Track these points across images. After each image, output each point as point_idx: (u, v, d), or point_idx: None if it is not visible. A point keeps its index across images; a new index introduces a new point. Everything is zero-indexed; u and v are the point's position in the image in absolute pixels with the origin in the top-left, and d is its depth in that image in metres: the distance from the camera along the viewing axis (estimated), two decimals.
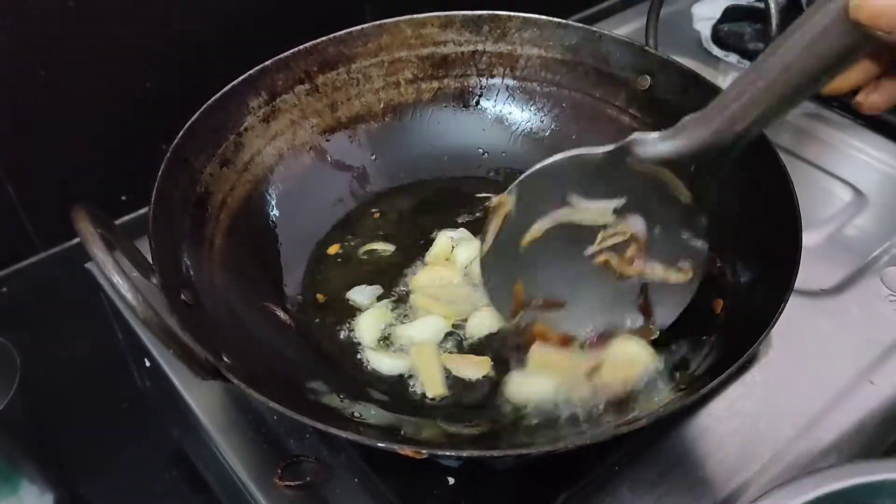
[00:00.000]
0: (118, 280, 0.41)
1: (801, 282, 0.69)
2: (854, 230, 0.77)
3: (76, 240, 0.84)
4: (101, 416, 0.87)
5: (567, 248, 0.56)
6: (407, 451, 0.44)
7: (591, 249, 0.55)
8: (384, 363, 0.61)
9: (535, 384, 0.56)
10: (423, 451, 0.45)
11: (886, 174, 0.83)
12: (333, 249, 0.69)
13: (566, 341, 0.57)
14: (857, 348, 0.66)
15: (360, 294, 0.65)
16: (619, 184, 0.53)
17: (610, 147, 0.52)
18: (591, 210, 0.54)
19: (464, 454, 0.48)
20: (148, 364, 0.71)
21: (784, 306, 0.51)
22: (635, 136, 0.51)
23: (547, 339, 0.57)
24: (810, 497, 0.45)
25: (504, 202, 0.55)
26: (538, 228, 0.55)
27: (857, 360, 0.65)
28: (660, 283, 0.56)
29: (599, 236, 0.55)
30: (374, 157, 0.74)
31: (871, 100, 0.45)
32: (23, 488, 0.76)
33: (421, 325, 0.62)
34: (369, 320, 0.63)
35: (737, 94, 0.46)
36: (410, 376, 0.60)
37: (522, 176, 0.54)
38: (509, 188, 0.55)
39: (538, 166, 0.54)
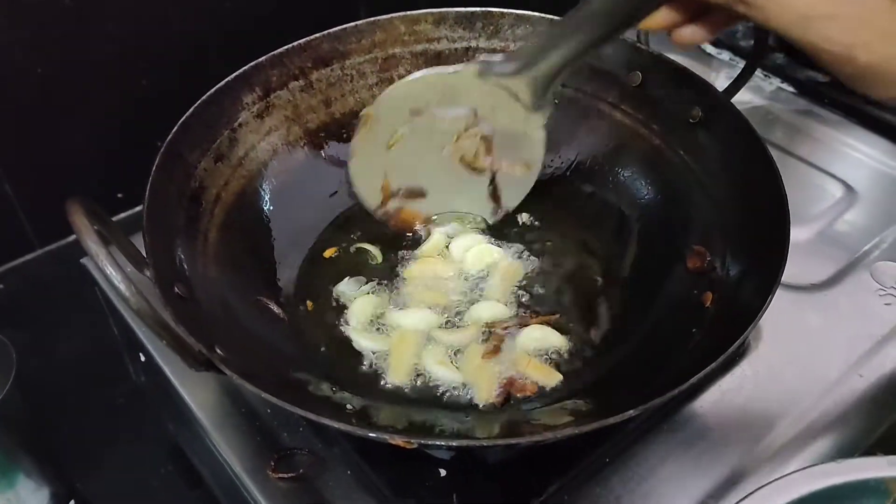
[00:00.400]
0: (111, 271, 0.42)
1: (791, 276, 0.71)
2: (845, 225, 0.77)
3: (73, 237, 0.85)
4: (96, 411, 0.87)
5: (427, 148, 0.66)
6: (398, 440, 0.45)
7: (446, 149, 0.66)
8: (363, 343, 0.62)
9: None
10: (413, 441, 0.45)
11: (877, 170, 0.83)
12: (329, 252, 0.70)
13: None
14: (847, 342, 0.66)
15: (346, 286, 0.66)
16: (468, 96, 0.63)
17: (459, 67, 0.63)
18: (447, 117, 0.65)
19: (453, 444, 0.49)
20: (143, 359, 0.71)
21: (771, 298, 0.51)
22: (482, 57, 0.64)
23: (412, 221, 0.70)
24: (795, 496, 0.45)
25: (370, 114, 0.65)
26: (400, 133, 0.65)
27: (847, 353, 0.66)
28: (506, 176, 0.68)
29: (454, 138, 0.66)
30: None
31: (682, 34, 0.52)
32: (19, 483, 0.77)
33: (413, 314, 0.63)
34: (362, 304, 0.64)
35: (564, 25, 0.57)
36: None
37: (385, 91, 0.64)
38: (375, 101, 0.64)
39: (398, 83, 0.65)
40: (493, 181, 0.69)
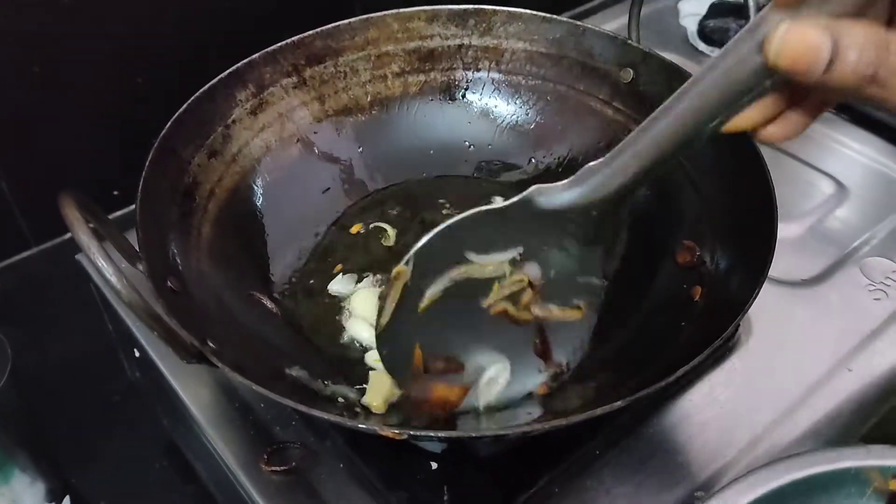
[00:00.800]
0: (102, 264, 0.42)
1: (781, 272, 0.71)
2: (835, 222, 0.78)
3: (68, 235, 0.86)
4: (92, 407, 0.88)
5: (464, 303, 0.55)
6: (387, 432, 0.45)
7: (486, 301, 0.55)
8: (364, 335, 0.62)
9: None
10: (403, 433, 0.45)
11: (868, 167, 0.84)
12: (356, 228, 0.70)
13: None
14: (836, 337, 0.67)
15: (338, 284, 0.67)
16: (514, 235, 0.53)
17: (512, 200, 0.51)
18: (487, 264, 0.54)
19: (441, 435, 0.49)
20: (137, 354, 0.71)
21: (758, 291, 0.52)
22: (536, 187, 0.50)
23: (448, 402, 0.56)
24: (775, 485, 0.45)
25: (402, 273, 0.53)
26: (435, 291, 0.54)
27: (836, 348, 0.66)
28: (556, 324, 0.56)
29: (495, 287, 0.55)
30: (360, 149, 0.75)
31: (770, 132, 0.43)
32: (14, 478, 0.77)
33: None
34: (363, 297, 0.64)
35: (634, 140, 0.47)
36: None
37: (418, 244, 0.52)
38: (405, 258, 0.52)
39: (434, 232, 0.52)
40: (540, 333, 0.57)
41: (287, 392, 0.47)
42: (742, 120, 0.42)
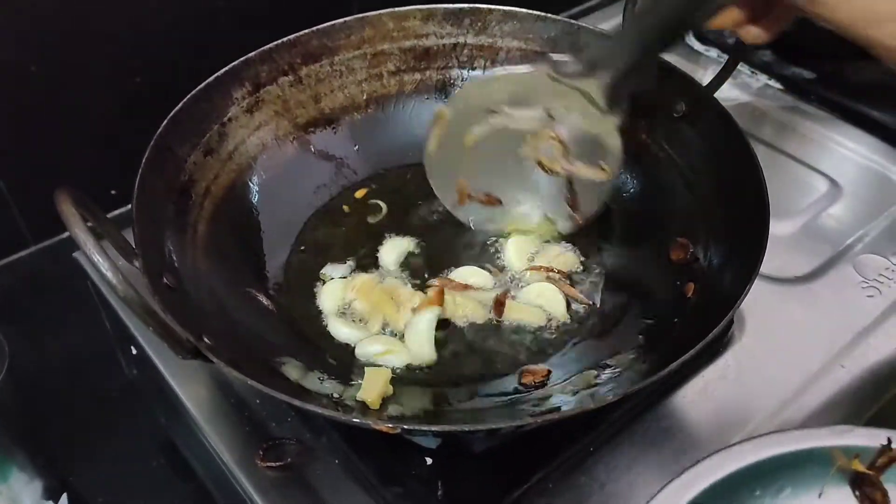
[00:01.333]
0: (98, 259, 0.43)
1: (775, 269, 0.72)
2: (829, 219, 0.78)
3: (66, 233, 0.86)
4: (89, 405, 0.88)
5: (503, 149, 0.65)
6: (381, 426, 0.46)
7: (523, 151, 0.65)
8: (342, 332, 0.62)
9: None
10: (396, 427, 0.46)
11: (862, 165, 0.84)
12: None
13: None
14: (830, 333, 0.67)
15: (333, 270, 0.67)
16: (542, 97, 0.62)
17: (530, 67, 0.62)
18: (522, 117, 0.63)
19: (434, 429, 0.50)
20: (135, 352, 0.72)
21: (750, 287, 0.52)
22: (554, 57, 0.61)
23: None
24: (742, 465, 0.46)
25: (444, 111, 0.65)
26: (477, 133, 0.64)
27: (830, 344, 0.67)
28: (583, 181, 0.65)
29: (529, 138, 0.65)
30: (356, 147, 0.75)
31: (752, 34, 0.53)
32: (12, 475, 0.77)
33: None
34: (331, 289, 0.65)
35: (627, 31, 0.60)
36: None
37: (458, 91, 0.67)
38: (449, 100, 0.66)
39: (470, 82, 0.67)
40: (570, 186, 0.66)
41: (282, 387, 0.48)
42: (722, 19, 0.52)
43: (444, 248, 0.70)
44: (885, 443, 0.46)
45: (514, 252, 0.68)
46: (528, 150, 0.65)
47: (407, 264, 0.68)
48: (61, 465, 0.83)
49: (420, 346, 0.60)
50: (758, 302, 0.68)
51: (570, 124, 0.63)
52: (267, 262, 0.67)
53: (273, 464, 0.58)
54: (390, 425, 0.45)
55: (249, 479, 0.58)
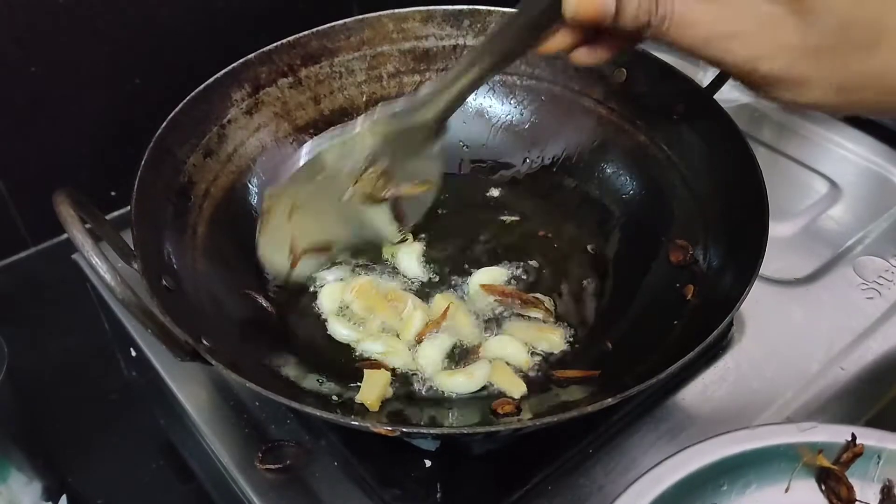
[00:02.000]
0: (97, 261, 0.42)
1: (775, 271, 0.72)
2: (828, 221, 0.78)
3: (65, 235, 0.86)
4: (88, 406, 0.88)
5: (327, 201, 0.63)
6: (380, 429, 0.46)
7: (347, 195, 0.64)
8: (341, 332, 0.63)
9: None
10: (396, 430, 0.46)
11: (861, 167, 0.84)
12: None
13: None
14: (829, 335, 0.67)
15: (329, 273, 0.68)
16: (367, 145, 0.61)
17: (355, 127, 0.60)
18: (345, 170, 0.62)
19: (433, 432, 0.50)
20: (134, 354, 0.72)
21: (749, 289, 0.52)
22: (380, 106, 0.60)
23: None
24: (708, 461, 0.47)
25: (269, 207, 0.61)
26: (299, 199, 0.62)
27: (829, 346, 0.67)
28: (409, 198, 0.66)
29: (353, 182, 0.63)
30: None
31: (579, 55, 0.51)
32: (11, 476, 0.77)
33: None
34: (329, 291, 0.65)
35: (463, 63, 0.57)
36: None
37: (280, 183, 0.60)
38: (270, 194, 0.61)
39: (293, 172, 0.60)
40: (395, 205, 0.67)
41: (281, 389, 0.48)
42: (551, 45, 0.51)
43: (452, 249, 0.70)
44: (849, 439, 0.47)
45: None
46: (353, 192, 0.64)
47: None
48: (60, 467, 0.83)
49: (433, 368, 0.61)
50: (757, 303, 0.68)
51: (393, 156, 0.62)
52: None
53: (272, 466, 0.58)
54: (389, 428, 0.45)
55: (248, 481, 0.58)
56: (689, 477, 0.46)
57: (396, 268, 0.68)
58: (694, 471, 0.46)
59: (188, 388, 0.65)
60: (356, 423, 0.47)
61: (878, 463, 0.47)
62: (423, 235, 0.71)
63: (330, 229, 0.66)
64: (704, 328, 0.51)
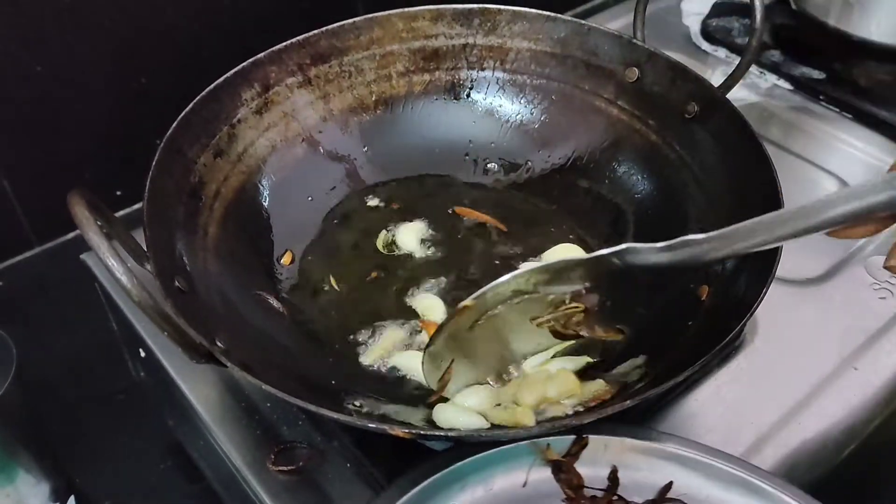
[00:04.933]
0: (113, 263, 0.42)
1: (786, 271, 0.71)
2: None
3: (71, 234, 0.86)
4: (96, 407, 0.88)
5: (514, 323, 0.55)
6: (397, 431, 0.45)
7: (536, 320, 0.55)
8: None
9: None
10: (412, 432, 0.46)
11: (871, 165, 0.84)
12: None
13: None
14: (842, 335, 0.67)
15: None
16: (586, 275, 0.53)
17: (599, 254, 0.52)
18: (550, 294, 0.54)
19: (450, 434, 0.49)
20: (143, 354, 0.71)
21: (766, 291, 0.52)
22: (627, 247, 0.51)
23: None
24: (457, 464, 0.50)
25: (470, 308, 0.53)
26: (490, 314, 0.54)
27: (842, 347, 0.66)
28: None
29: (550, 310, 0.55)
30: (366, 148, 0.75)
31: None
32: (18, 478, 0.77)
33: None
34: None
35: (749, 228, 0.47)
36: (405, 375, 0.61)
37: (493, 285, 0.52)
38: (476, 295, 0.52)
39: (512, 276, 0.52)
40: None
41: (295, 391, 0.47)
42: (853, 233, 0.45)
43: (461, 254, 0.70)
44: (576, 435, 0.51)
45: None
46: (548, 319, 0.55)
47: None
48: (68, 467, 0.83)
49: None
50: (769, 303, 0.66)
51: (604, 295, 0.55)
52: (277, 266, 0.66)
53: (284, 467, 0.58)
54: (405, 430, 0.45)
55: (261, 482, 0.58)
56: (424, 488, 0.49)
57: None
58: (444, 473, 0.49)
59: (199, 389, 0.65)
60: (373, 425, 0.47)
61: (604, 452, 0.51)
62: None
63: (501, 349, 0.57)
64: (719, 330, 0.51)
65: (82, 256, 0.74)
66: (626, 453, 0.52)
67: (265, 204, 0.68)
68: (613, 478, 0.52)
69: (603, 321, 0.55)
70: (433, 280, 0.67)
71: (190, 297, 0.54)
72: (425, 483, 0.48)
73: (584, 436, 0.51)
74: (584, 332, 0.56)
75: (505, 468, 0.51)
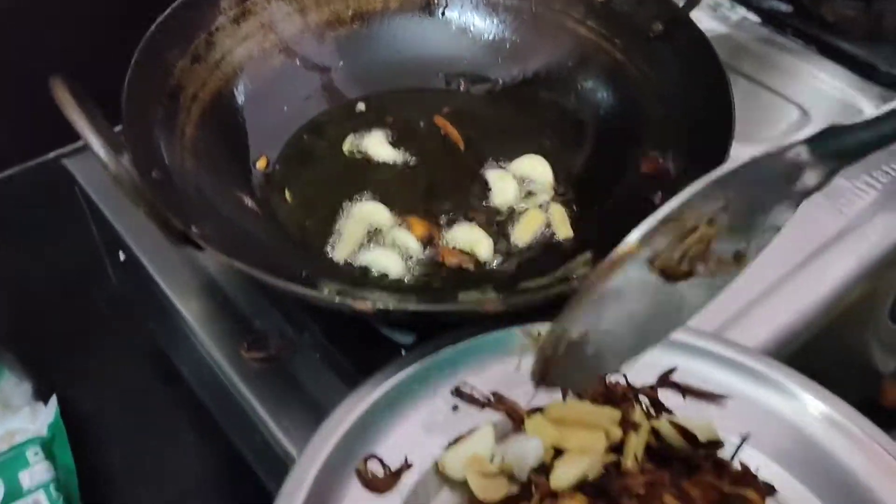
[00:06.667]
0: (92, 137, 0.44)
1: None
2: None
3: (52, 154, 0.88)
4: (78, 313, 0.90)
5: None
6: (360, 304, 0.48)
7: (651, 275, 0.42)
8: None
9: None
10: (374, 307, 0.48)
11: (832, 96, 0.87)
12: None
13: None
14: (790, 249, 0.70)
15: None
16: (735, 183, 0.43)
17: (791, 143, 0.42)
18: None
19: (411, 307, 0.52)
20: (123, 258, 0.74)
21: None
22: (833, 125, 0.42)
23: None
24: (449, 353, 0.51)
25: (631, 251, 0.41)
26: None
27: (788, 259, 0.70)
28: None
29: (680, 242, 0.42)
30: (341, 62, 0.76)
31: None
32: (3, 377, 0.80)
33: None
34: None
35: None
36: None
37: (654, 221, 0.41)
38: (637, 235, 0.41)
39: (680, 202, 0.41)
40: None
41: (265, 268, 0.50)
42: None
43: (437, 170, 0.72)
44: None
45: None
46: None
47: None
48: (50, 372, 0.86)
49: None
50: None
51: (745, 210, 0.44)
52: (253, 169, 0.69)
53: (257, 355, 0.61)
54: (369, 304, 0.48)
55: (235, 369, 0.61)
56: (416, 373, 0.50)
57: None
58: (422, 367, 0.50)
59: (177, 286, 0.67)
60: (337, 300, 0.50)
61: None
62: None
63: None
64: None
65: (63, 160, 0.76)
66: None
67: (241, 110, 0.70)
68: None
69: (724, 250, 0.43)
70: (395, 185, 0.70)
71: (167, 188, 0.56)
72: (408, 373, 0.50)
73: None
74: (701, 268, 0.42)
75: (494, 352, 0.51)
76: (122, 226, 0.71)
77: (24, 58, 0.80)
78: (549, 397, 0.49)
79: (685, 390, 0.52)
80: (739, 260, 0.45)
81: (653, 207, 0.61)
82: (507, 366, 0.51)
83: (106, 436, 0.83)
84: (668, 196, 0.61)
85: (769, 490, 0.47)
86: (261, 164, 0.69)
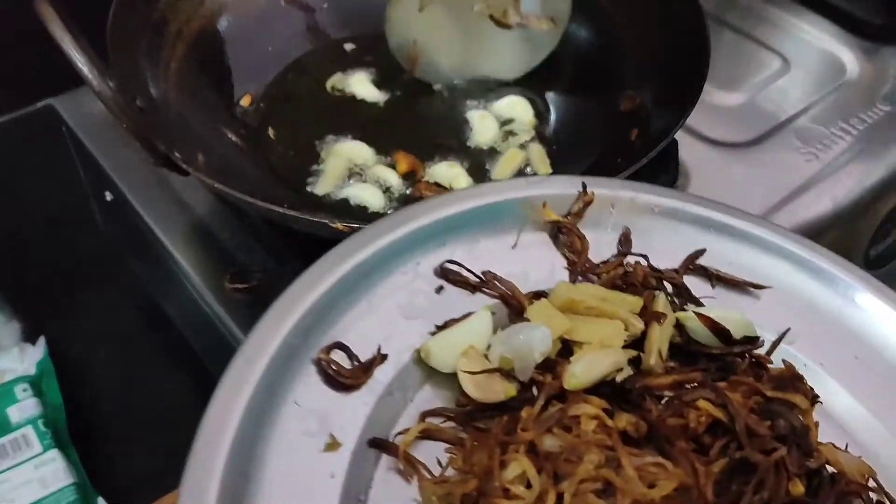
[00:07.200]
0: (76, 54, 0.45)
1: (720, 135, 0.76)
2: (776, 93, 0.82)
3: (39, 104, 0.87)
4: (65, 257, 0.90)
5: (457, 7, 0.69)
6: (338, 225, 0.49)
7: (477, 6, 0.69)
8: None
9: None
10: (352, 227, 0.50)
11: (811, 45, 0.88)
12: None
13: None
14: (768, 191, 0.72)
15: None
16: None
17: None
18: None
19: None
20: (109, 198, 0.75)
21: (683, 121, 0.56)
22: None
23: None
24: (435, 217, 0.42)
25: None
26: None
27: (765, 200, 0.71)
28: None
29: None
30: (325, 3, 0.77)
31: None
32: None
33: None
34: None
35: None
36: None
37: None
38: None
39: None
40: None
41: (245, 191, 0.51)
42: None
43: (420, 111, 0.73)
44: (580, 189, 0.44)
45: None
46: (483, 5, 0.69)
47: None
48: (39, 313, 0.86)
49: None
50: (702, 163, 0.73)
51: None
52: (237, 105, 0.70)
53: (240, 285, 0.63)
54: (345, 224, 0.49)
55: (219, 300, 0.63)
56: (402, 238, 0.40)
57: None
58: (427, 224, 0.41)
59: (162, 222, 0.68)
60: (316, 219, 0.51)
61: (612, 212, 0.43)
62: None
63: (452, 41, 0.70)
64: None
65: (49, 100, 0.77)
66: (640, 215, 0.43)
67: (226, 48, 0.71)
68: (626, 240, 0.44)
69: (534, 10, 0.68)
70: (377, 124, 0.71)
71: (150, 115, 0.57)
72: (393, 238, 0.40)
73: (590, 191, 0.43)
74: (517, 20, 0.69)
75: (487, 228, 0.43)
76: (109, 164, 0.72)
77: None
78: (552, 282, 0.41)
79: (715, 277, 0.43)
80: (551, 21, 0.70)
81: (629, 144, 0.64)
82: (501, 242, 0.42)
83: (93, 375, 0.84)
84: (643, 133, 0.64)
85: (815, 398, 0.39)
86: (245, 101, 0.70)
